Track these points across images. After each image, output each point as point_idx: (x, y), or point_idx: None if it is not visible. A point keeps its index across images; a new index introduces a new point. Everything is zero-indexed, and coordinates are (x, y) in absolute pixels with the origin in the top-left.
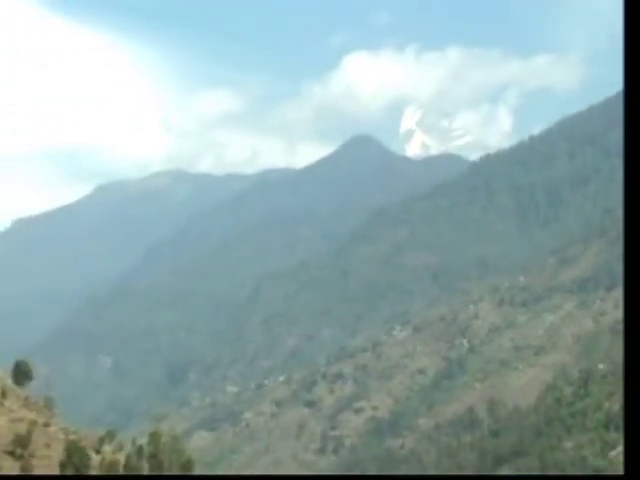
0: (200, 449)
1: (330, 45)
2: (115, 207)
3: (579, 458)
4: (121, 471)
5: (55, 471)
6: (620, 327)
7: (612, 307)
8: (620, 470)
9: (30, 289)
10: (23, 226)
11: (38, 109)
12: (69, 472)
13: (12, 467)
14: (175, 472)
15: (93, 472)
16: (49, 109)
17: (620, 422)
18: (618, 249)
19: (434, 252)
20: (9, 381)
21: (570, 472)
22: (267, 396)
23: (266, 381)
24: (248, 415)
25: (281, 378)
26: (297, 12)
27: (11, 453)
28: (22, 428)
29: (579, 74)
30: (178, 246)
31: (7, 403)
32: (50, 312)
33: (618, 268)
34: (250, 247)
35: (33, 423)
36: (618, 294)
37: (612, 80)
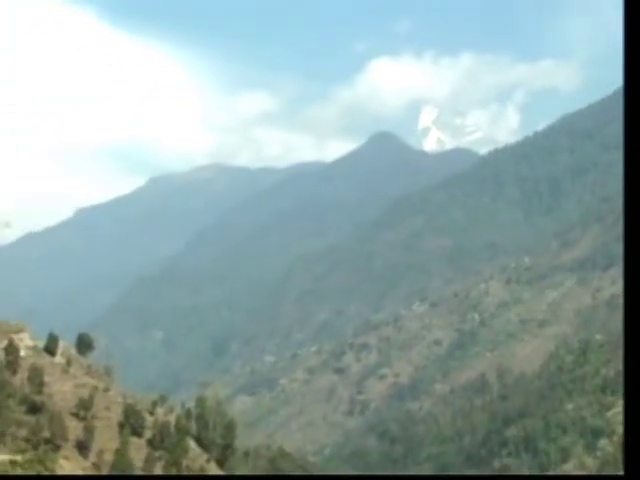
0: (241, 412)
1: (356, 51)
2: (164, 197)
3: (579, 418)
4: (172, 430)
5: (114, 431)
6: (615, 302)
7: (608, 284)
8: (616, 428)
9: (90, 271)
10: (84, 215)
11: (96, 110)
12: (127, 432)
13: (76, 427)
14: (219, 432)
15: (148, 432)
16: (105, 110)
17: (616, 387)
18: (614, 233)
19: (449, 236)
20: (73, 351)
21: (571, 430)
22: (300, 364)
23: (299, 351)
24: (284, 381)
25: (313, 348)
26: (326, 21)
27: (76, 415)
28: (85, 393)
29: (579, 76)
30: (219, 232)
31: (72, 371)
32: (108, 291)
33: (614, 250)
34: (284, 233)
35: (95, 388)
36: (614, 273)
37: (609, 81)
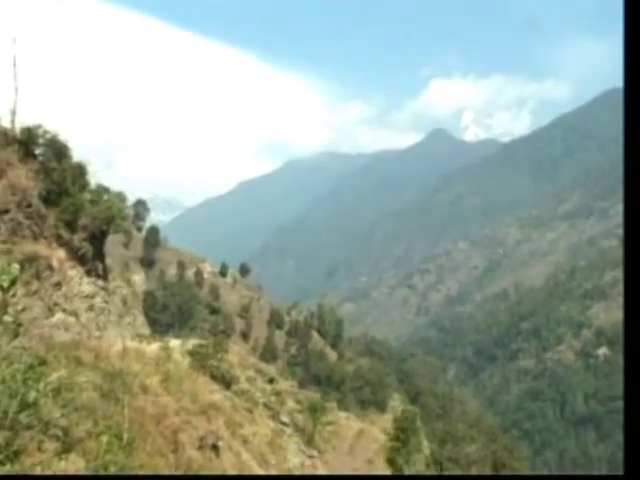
0: (346, 314)
1: (421, 74)
2: (295, 174)
3: (569, 316)
4: (301, 325)
5: (264, 325)
6: (593, 240)
7: (589, 228)
8: (593, 322)
9: (249, 223)
10: (243, 186)
11: (253, 118)
12: (272, 326)
13: (240, 323)
14: (332, 327)
15: (286, 326)
16: (259, 119)
17: (593, 295)
18: (592, 194)
19: (483, 197)
20: (237, 275)
21: (564, 324)
22: (384, 283)
23: (383, 274)
24: (374, 294)
25: (392, 272)
26: (402, 54)
27: (240, 315)
28: (245, 301)
29: (571, 90)
30: (331, 197)
31: (237, 287)
32: (259, 237)
33: (593, 205)
34: (373, 196)
35: (251, 298)
36: (592, 220)
37: (589, 93)
